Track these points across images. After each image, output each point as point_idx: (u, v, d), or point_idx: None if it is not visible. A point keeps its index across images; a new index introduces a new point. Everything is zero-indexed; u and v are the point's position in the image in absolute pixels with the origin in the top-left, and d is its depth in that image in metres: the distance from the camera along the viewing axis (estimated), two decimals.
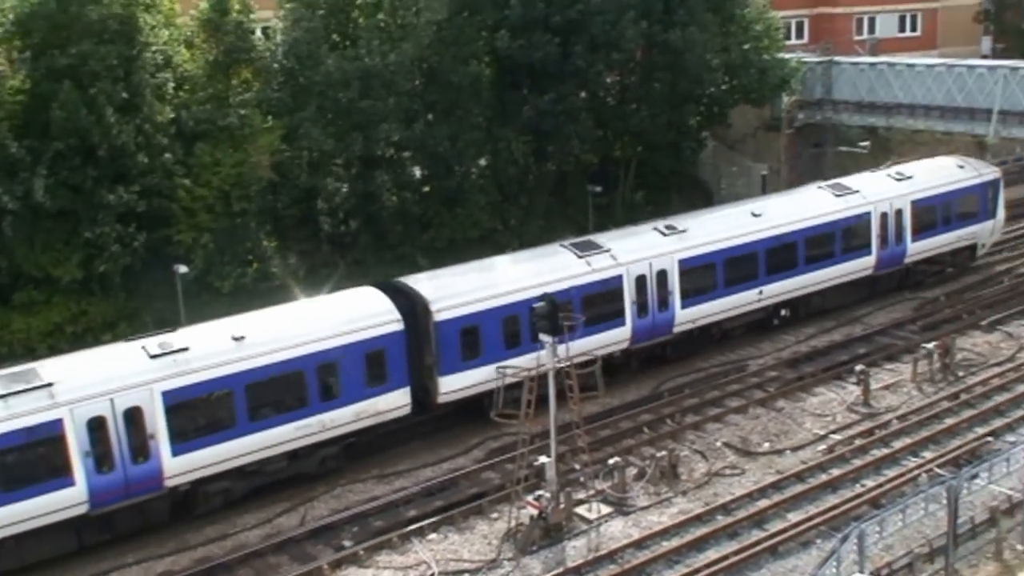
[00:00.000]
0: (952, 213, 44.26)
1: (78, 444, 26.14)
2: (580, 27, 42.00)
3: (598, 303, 34.57)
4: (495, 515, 28.19)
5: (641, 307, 35.83)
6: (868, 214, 41.58)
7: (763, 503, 28.05)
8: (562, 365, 26.91)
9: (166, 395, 27.27)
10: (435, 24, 40.17)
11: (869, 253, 41.90)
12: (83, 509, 26.52)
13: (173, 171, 36.25)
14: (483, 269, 34.73)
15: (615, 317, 35.25)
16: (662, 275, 36.15)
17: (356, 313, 30.84)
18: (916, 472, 28.98)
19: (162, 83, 36.85)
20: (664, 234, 37.05)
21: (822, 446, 31.40)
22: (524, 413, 26.91)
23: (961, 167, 45.51)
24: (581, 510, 27.90)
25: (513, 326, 32.77)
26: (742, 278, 38.29)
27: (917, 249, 43.39)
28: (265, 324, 29.78)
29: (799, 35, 66.47)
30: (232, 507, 29.08)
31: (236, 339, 28.67)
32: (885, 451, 30.72)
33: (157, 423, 27.19)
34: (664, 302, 36.35)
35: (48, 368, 27.12)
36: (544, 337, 26.42)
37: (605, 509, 28.06)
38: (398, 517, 28.18)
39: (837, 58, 53.83)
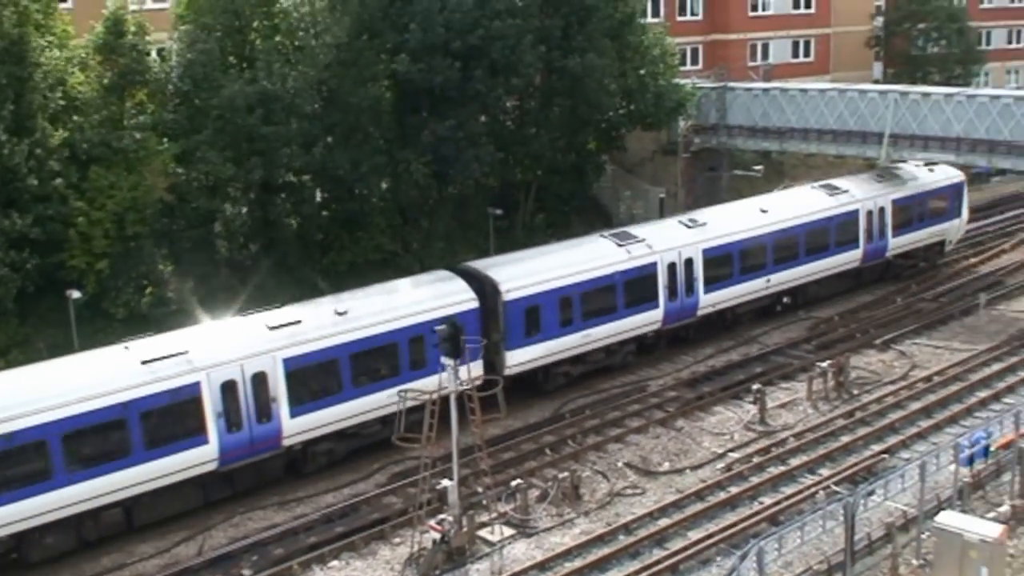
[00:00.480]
0: (926, 212, 49.15)
1: (212, 405, 28.92)
2: (480, 52, 42.21)
3: (636, 288, 38.59)
4: (397, 540, 27.99)
5: (672, 291, 39.70)
6: (857, 211, 46.04)
7: (664, 522, 28.29)
8: (464, 388, 26.88)
9: (286, 362, 30.35)
10: (334, 46, 39.98)
11: (857, 247, 46.33)
12: (214, 466, 29.16)
13: (67, 195, 35.49)
14: (540, 255, 38.66)
15: (650, 300, 39.16)
16: (689, 263, 40.09)
17: (439, 292, 34.34)
18: (813, 489, 29.48)
19: (55, 105, 36.08)
20: (688, 227, 41.07)
21: (721, 464, 31.82)
22: (426, 436, 26.82)
23: (932, 170, 49.33)
24: (484, 533, 27.84)
25: (568, 306, 36.73)
26: (754, 267, 42.53)
27: (897, 244, 48.10)
28: (362, 301, 33.17)
29: (694, 61, 67.49)
30: (130, 536, 28.51)
31: (339, 314, 32.05)
32: (782, 468, 31.23)
33: (279, 387, 30.25)
34: (690, 287, 40.32)
35: (179, 337, 29.94)
36: (445, 360, 26.37)
37: (508, 531, 28.04)
38: (298, 544, 27.79)
39: (731, 83, 54.77)
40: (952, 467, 27.81)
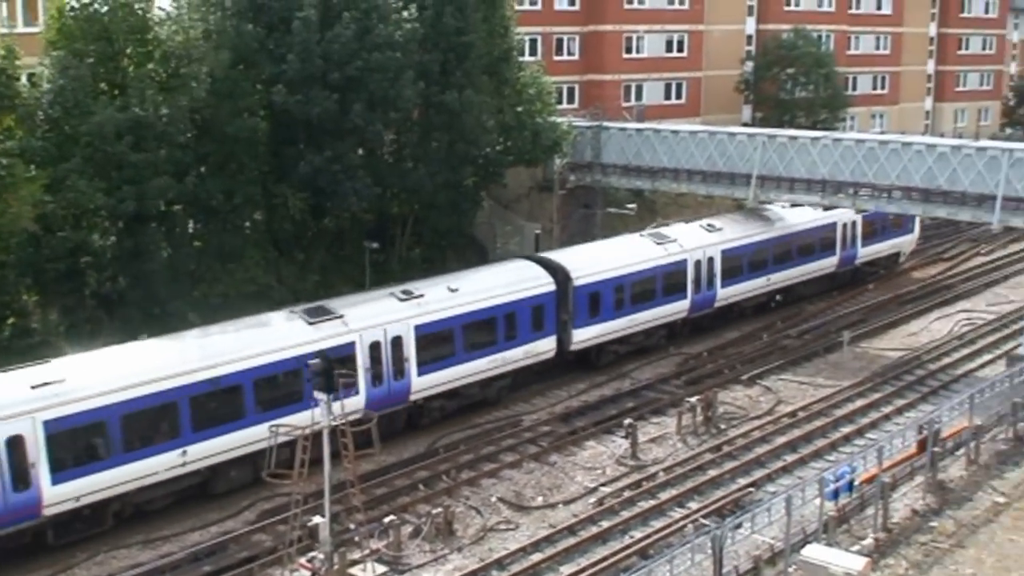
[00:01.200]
0: (887, 226, 56.36)
1: (363, 362, 34.06)
2: (358, 84, 42.12)
3: (667, 281, 45.09)
4: None
5: (696, 285, 46.15)
6: (835, 223, 53.37)
7: (536, 557, 28.41)
8: (337, 423, 26.61)
9: (416, 328, 35.83)
10: (210, 76, 39.48)
11: (834, 254, 53.86)
12: (359, 415, 30.85)
13: None
14: (598, 250, 45.23)
15: (679, 292, 45.67)
16: (711, 262, 46.81)
17: (524, 276, 40.28)
18: (682, 522, 29.96)
19: None
20: (708, 231, 47.97)
21: (592, 499, 32.11)
22: (297, 472, 26.45)
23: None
24: (356, 570, 27.45)
25: (620, 293, 43.12)
26: (754, 268, 49.22)
27: (865, 253, 55.68)
28: (467, 281, 38.73)
29: (571, 100, 68.58)
30: None
31: (452, 290, 37.53)
32: (653, 502, 31.67)
33: (411, 350, 35.73)
34: (710, 283, 46.92)
35: (333, 305, 35.23)
36: (318, 395, 26.08)
37: (380, 569, 27.71)
38: None
39: (606, 123, 55.65)
40: (817, 501, 28.51)
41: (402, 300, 36.17)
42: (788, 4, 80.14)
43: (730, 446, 35.88)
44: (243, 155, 41.51)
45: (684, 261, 45.72)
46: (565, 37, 69.12)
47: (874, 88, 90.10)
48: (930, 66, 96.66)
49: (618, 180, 54.79)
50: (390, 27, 42.38)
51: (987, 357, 45.27)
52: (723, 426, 37.74)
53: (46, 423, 28.02)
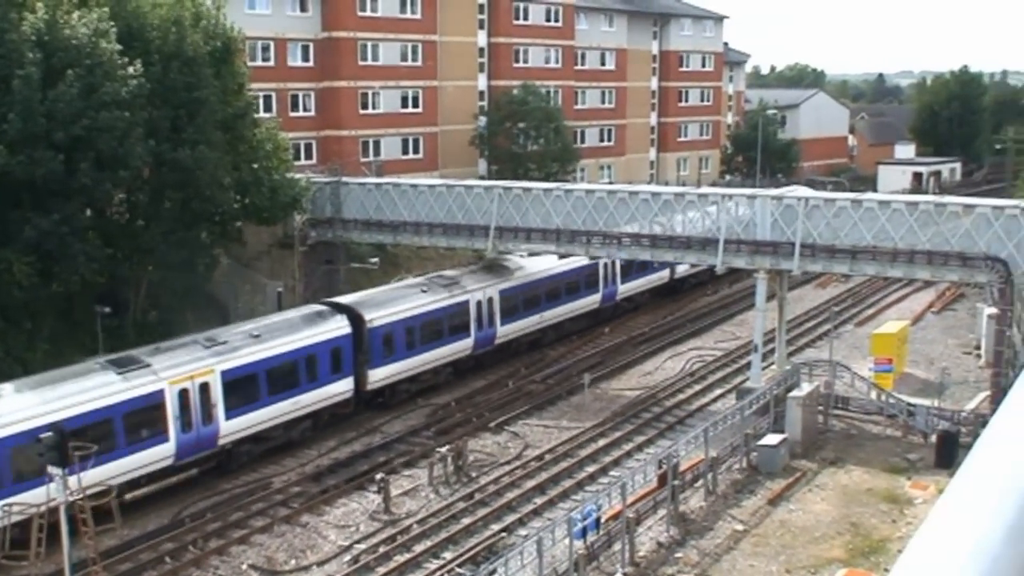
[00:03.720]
0: (646, 264, 58.37)
1: (172, 410, 34.37)
2: (85, 144, 40.53)
3: (453, 321, 47.77)
4: None
5: (479, 324, 48.94)
6: (597, 264, 56.79)
7: None
8: (74, 498, 25.33)
9: (223, 374, 36.32)
10: None
11: (598, 291, 58.03)
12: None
13: None
14: (390, 293, 47.32)
15: (463, 331, 48.09)
16: (491, 302, 49.87)
17: (321, 320, 42.25)
18: (438, 573, 29.99)
19: None
20: (492, 270, 52.02)
21: (347, 557, 31.72)
22: (35, 552, 24.97)
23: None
24: None
25: (411, 334, 45.48)
26: (529, 306, 52.58)
27: (624, 290, 60.33)
28: (267, 327, 40.06)
29: (308, 155, 68.25)
30: None
31: (254, 336, 38.87)
32: (408, 556, 31.58)
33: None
34: (491, 322, 49.79)
35: (139, 354, 35.46)
36: (52, 470, 24.74)
37: None
38: None
39: (345, 178, 55.67)
40: (567, 540, 29.16)
41: (207, 347, 36.50)
42: (517, 61, 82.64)
43: (482, 493, 36.26)
44: None
45: (467, 301, 48.33)
46: (300, 93, 68.84)
47: (601, 140, 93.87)
48: (653, 118, 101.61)
49: (360, 235, 54.80)
50: (116, 84, 41.08)
51: (718, 391, 47.68)
52: (474, 474, 38.10)
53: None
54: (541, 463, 39.04)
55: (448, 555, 31.57)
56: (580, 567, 29.16)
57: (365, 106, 71.35)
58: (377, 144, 72.09)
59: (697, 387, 48.54)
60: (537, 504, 35.29)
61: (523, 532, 32.73)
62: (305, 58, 69.05)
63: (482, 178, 73.10)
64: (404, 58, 73.37)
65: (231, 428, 37.05)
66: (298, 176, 52.41)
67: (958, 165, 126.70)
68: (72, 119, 40.19)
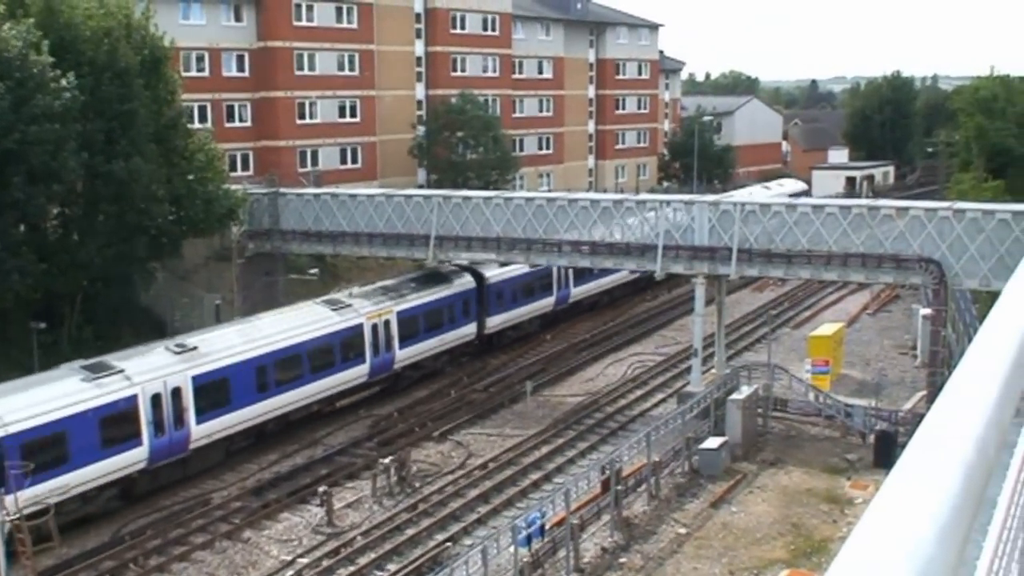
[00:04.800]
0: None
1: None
2: (17, 157, 39.89)
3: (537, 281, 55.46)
4: None
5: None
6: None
7: None
8: (11, 519, 24.86)
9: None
10: None
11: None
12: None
13: None
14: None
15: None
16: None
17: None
18: None
19: None
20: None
21: (290, 572, 31.44)
22: None
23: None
24: None
25: (517, 290, 54.77)
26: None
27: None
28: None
29: (245, 166, 67.70)
30: None
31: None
32: (352, 568, 31.38)
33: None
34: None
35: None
36: None
37: None
38: None
39: (283, 189, 55.22)
40: (512, 548, 29.14)
41: (385, 294, 44.90)
42: (455, 70, 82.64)
43: (425, 503, 36.14)
44: None
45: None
46: (236, 104, 68.30)
47: (540, 148, 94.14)
48: (591, 126, 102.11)
49: (299, 246, 54.41)
50: (49, 96, 40.48)
51: (660, 396, 47.98)
52: (418, 484, 37.96)
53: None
54: (485, 472, 39.01)
55: (392, 567, 31.41)
56: (525, 574, 29.15)
57: (302, 116, 70.96)
58: (315, 154, 71.69)
59: (639, 392, 48.80)
60: (481, 513, 35.24)
61: (468, 541, 32.66)
62: (240, 68, 68.52)
63: (421, 187, 72.98)
64: (341, 67, 73.08)
65: (402, 356, 47.48)
66: (234, 187, 51.93)
67: (891, 169, 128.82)
68: (3, 132, 39.54)
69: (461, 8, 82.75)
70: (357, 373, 45.40)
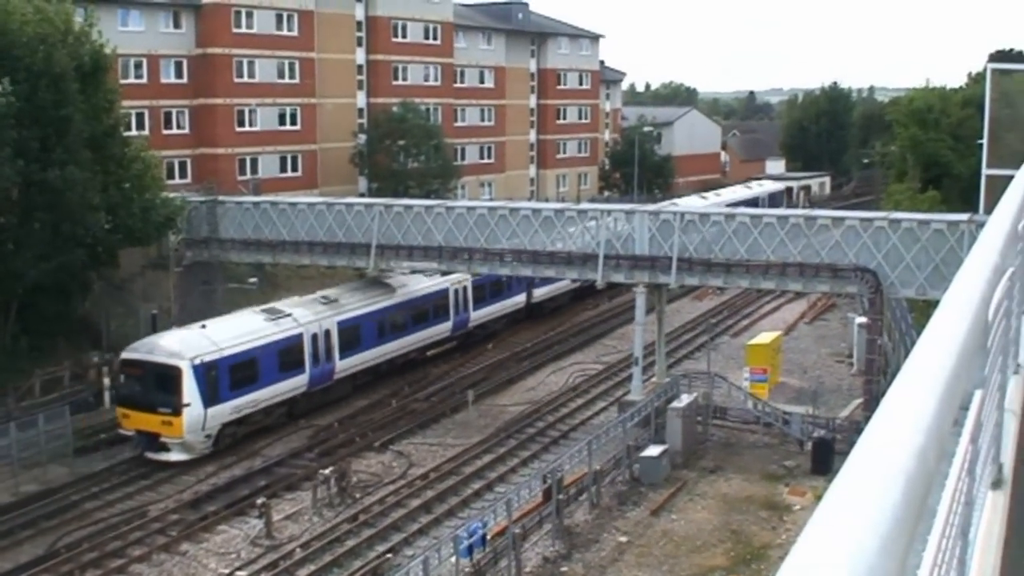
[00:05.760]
0: None
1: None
2: None
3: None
4: None
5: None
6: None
7: None
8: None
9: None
10: None
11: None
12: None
13: None
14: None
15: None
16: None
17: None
18: None
19: None
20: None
21: None
22: None
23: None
24: None
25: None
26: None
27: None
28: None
29: (183, 174, 67.02)
30: None
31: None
32: None
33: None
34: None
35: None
36: None
37: None
38: None
39: (222, 197, 54.72)
40: (453, 559, 29.07)
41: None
42: (396, 78, 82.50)
43: (366, 514, 35.93)
44: None
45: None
46: (174, 111, 67.64)
47: (481, 157, 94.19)
48: (532, 135, 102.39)
49: (238, 255, 53.90)
50: None
51: (601, 405, 48.13)
52: (358, 495, 37.73)
53: None
54: (426, 482, 38.88)
55: None
56: None
57: (241, 123, 70.43)
58: (254, 162, 71.16)
59: (580, 401, 48.94)
60: (423, 523, 35.11)
61: (409, 552, 32.52)
62: (179, 75, 67.89)
63: (362, 196, 72.67)
64: (281, 75, 72.65)
65: (475, 317, 56.78)
66: (172, 195, 51.37)
67: (827, 179, 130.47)
68: None
69: (403, 17, 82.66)
70: (442, 329, 54.60)
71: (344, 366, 47.53)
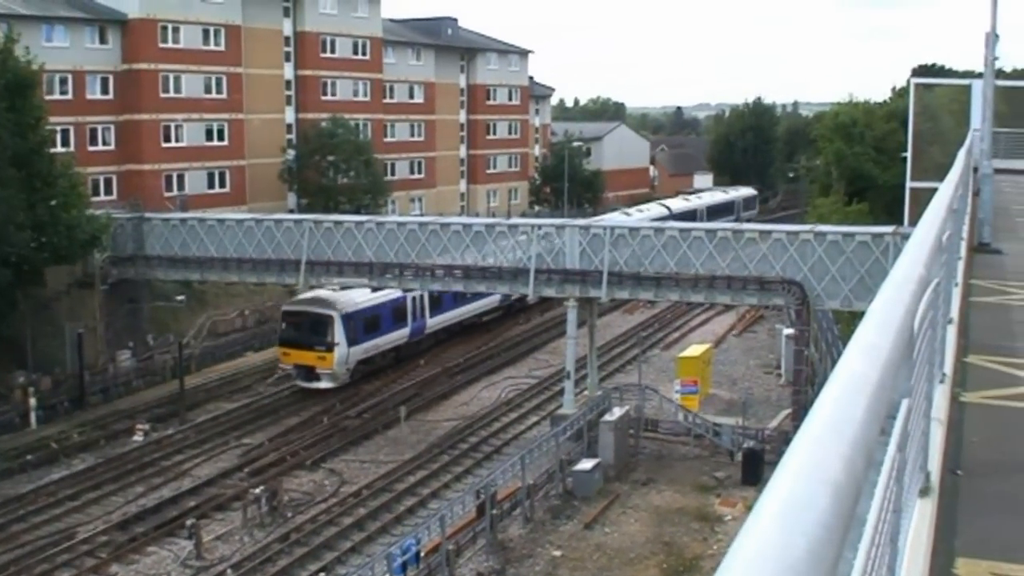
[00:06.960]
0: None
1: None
2: None
3: None
4: None
5: None
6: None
7: None
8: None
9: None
10: None
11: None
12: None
13: None
14: None
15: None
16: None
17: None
18: None
19: None
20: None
21: None
22: None
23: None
24: None
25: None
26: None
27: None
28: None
29: (108, 191, 66.03)
30: None
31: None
32: None
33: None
34: None
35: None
36: None
37: None
38: None
39: (148, 214, 53.94)
40: None
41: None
42: (325, 94, 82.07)
43: (298, 533, 35.58)
44: None
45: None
46: (100, 127, 66.66)
47: (411, 173, 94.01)
48: (462, 150, 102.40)
49: (165, 272, 53.15)
50: None
51: (533, 419, 48.20)
52: (290, 514, 37.37)
53: None
54: (359, 499, 38.61)
55: None
56: None
57: (168, 139, 69.62)
58: (181, 178, 70.32)
59: (512, 415, 48.95)
60: (356, 541, 34.85)
61: (342, 571, 32.29)
62: (105, 91, 66.94)
63: (292, 212, 72.17)
64: (208, 90, 71.97)
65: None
66: (97, 212, 50.57)
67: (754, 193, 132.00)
68: None
69: (331, 32, 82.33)
70: (493, 300, 61.48)
71: (432, 324, 58.19)
